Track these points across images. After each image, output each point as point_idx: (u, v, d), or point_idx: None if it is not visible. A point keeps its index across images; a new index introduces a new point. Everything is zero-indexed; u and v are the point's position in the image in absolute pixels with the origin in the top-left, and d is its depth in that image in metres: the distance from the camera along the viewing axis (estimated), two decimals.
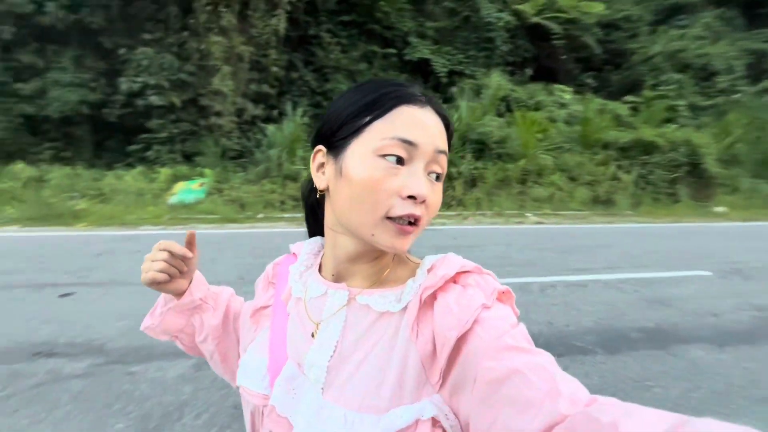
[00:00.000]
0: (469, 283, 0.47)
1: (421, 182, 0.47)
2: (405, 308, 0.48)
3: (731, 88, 12.62)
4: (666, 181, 9.36)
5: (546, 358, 0.40)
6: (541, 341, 2.80)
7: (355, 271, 0.54)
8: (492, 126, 9.59)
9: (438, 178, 0.50)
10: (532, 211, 8.19)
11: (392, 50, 11.34)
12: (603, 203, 8.87)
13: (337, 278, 0.55)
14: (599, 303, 3.52)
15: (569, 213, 8.22)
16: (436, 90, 11.19)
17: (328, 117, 0.52)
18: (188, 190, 7.70)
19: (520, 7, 12.40)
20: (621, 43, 13.25)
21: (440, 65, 11.32)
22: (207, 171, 8.28)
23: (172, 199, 7.51)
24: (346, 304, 0.52)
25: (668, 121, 10.86)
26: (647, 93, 11.86)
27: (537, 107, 10.92)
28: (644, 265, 4.61)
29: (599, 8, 12.67)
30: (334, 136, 0.51)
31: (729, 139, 10.47)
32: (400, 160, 0.47)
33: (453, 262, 0.49)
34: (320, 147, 0.53)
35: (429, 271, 0.49)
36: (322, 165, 0.53)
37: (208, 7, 8.63)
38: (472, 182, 8.92)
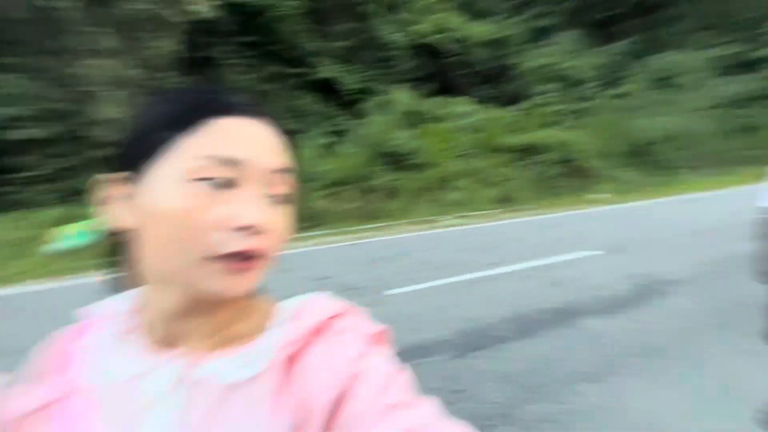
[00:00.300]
0: (341, 328, 0.40)
1: (255, 207, 0.38)
2: (258, 374, 0.38)
3: (593, 95, 15.00)
4: (557, 175, 10.73)
5: (429, 410, 0.36)
6: (465, 337, 2.95)
7: (189, 330, 0.40)
8: (403, 139, 10.09)
9: (280, 200, 0.41)
10: (449, 215, 8.68)
11: (298, 70, 11.34)
12: (508, 201, 9.77)
13: (169, 343, 0.40)
14: (513, 292, 3.82)
15: (481, 213, 8.88)
16: (347, 106, 11.47)
17: (129, 135, 0.41)
18: (74, 234, 6.70)
19: (416, 27, 13.33)
20: (505, 59, 14.94)
21: (349, 82, 11.60)
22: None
23: (51, 247, 6.46)
24: (177, 381, 0.38)
25: (552, 124, 12.47)
26: (531, 101, 13.55)
27: (442, 119, 11.75)
28: (547, 252, 5.13)
29: (484, 29, 14.22)
30: (135, 159, 0.39)
31: (599, 137, 12.36)
32: (221, 184, 0.37)
33: (321, 306, 0.41)
34: (119, 175, 0.40)
35: (291, 318, 0.41)
36: (123, 197, 0.40)
37: (84, 28, 7.79)
38: (391, 193, 9.21)
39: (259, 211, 0.38)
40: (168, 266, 0.38)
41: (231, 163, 0.37)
